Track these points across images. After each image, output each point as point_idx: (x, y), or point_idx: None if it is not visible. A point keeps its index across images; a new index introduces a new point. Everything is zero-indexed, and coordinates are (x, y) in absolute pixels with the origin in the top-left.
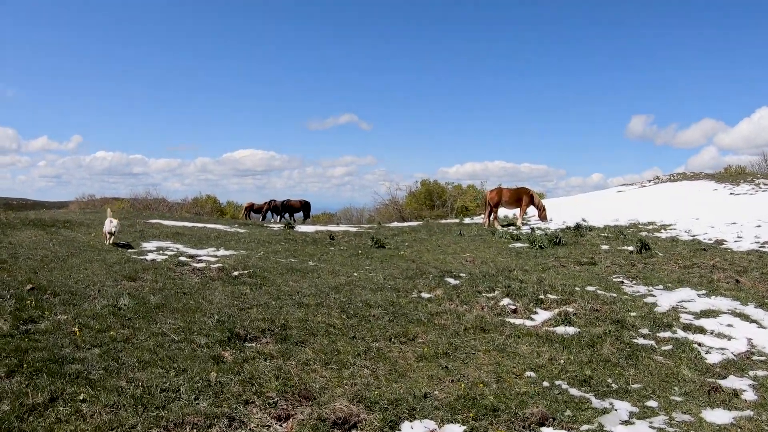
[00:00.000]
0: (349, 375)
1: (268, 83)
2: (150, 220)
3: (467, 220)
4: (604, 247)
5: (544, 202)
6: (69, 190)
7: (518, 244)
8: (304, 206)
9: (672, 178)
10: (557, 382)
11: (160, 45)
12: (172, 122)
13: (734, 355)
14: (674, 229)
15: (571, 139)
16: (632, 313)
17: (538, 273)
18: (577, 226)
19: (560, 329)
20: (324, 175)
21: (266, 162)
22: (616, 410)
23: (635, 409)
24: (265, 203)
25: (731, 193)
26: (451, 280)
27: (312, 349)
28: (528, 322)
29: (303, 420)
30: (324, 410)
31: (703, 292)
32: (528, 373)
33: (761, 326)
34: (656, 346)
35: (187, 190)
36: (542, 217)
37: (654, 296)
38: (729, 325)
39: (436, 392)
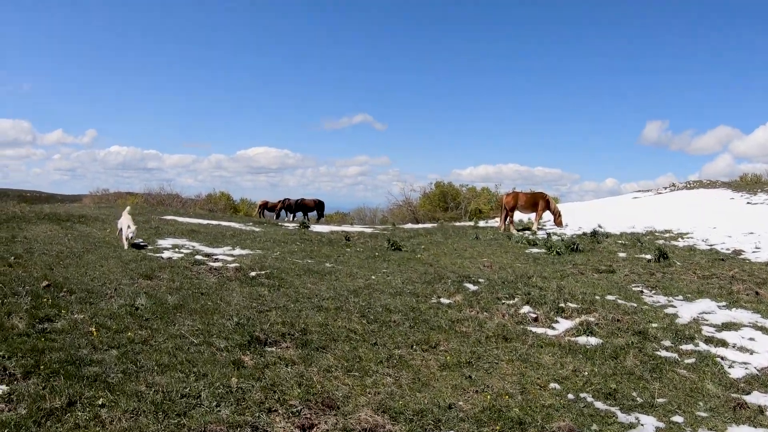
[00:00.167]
0: (372, 383)
1: (283, 81)
2: (165, 217)
3: (482, 223)
4: (622, 254)
5: (559, 207)
6: (83, 183)
7: (535, 250)
8: (318, 205)
9: (688, 185)
10: (582, 395)
11: (176, 41)
12: (187, 118)
13: (757, 370)
14: (691, 237)
15: (585, 143)
16: (654, 324)
17: (557, 280)
18: (594, 233)
19: (582, 339)
20: (337, 175)
21: (280, 160)
22: (642, 425)
23: (661, 425)
24: (279, 201)
25: (748, 203)
26: (470, 286)
27: (333, 355)
28: (550, 332)
29: (327, 430)
30: (349, 420)
31: (723, 303)
32: (552, 385)
33: None
34: (679, 359)
35: (200, 186)
36: (558, 222)
37: (674, 307)
38: (751, 339)
39: (461, 403)
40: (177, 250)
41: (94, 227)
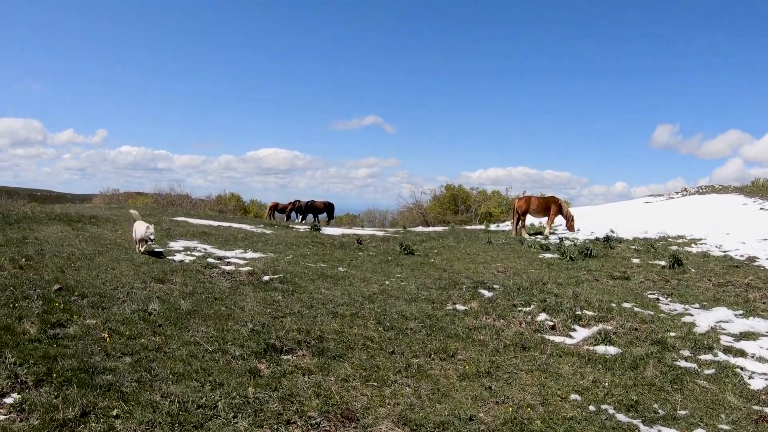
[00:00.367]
0: (391, 394)
1: (294, 82)
2: (176, 218)
3: (493, 227)
4: (635, 260)
5: (571, 210)
6: (93, 183)
7: (548, 255)
8: (328, 207)
9: (701, 190)
10: (603, 407)
11: (187, 41)
12: (197, 119)
13: None
14: (704, 243)
15: (594, 146)
16: (671, 333)
17: (572, 287)
18: (607, 238)
19: (600, 348)
20: (347, 176)
21: (289, 161)
22: None
23: None
24: (290, 203)
25: (761, 208)
26: (485, 292)
27: (351, 364)
28: (567, 340)
29: None
30: None
31: (740, 312)
32: (573, 396)
33: None
34: (699, 370)
35: (210, 187)
36: (570, 227)
37: (691, 315)
38: None
39: (482, 415)
40: (189, 252)
41: (105, 228)
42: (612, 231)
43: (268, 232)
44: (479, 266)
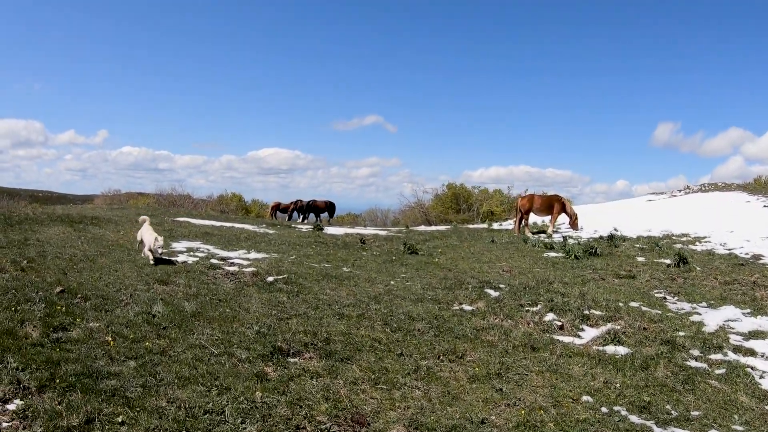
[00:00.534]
0: (401, 397)
1: (295, 82)
2: (178, 218)
3: (496, 226)
4: (640, 259)
5: (574, 209)
6: (94, 184)
7: (552, 254)
8: (329, 207)
9: (703, 188)
10: (616, 408)
11: (187, 41)
12: (198, 119)
13: None
14: (709, 241)
15: (596, 144)
16: (681, 333)
17: (578, 286)
18: (611, 236)
19: (610, 348)
20: (348, 176)
21: (291, 161)
22: None
23: None
24: (292, 203)
25: (765, 206)
26: (492, 292)
27: (359, 366)
28: (576, 341)
29: None
30: None
31: (748, 311)
32: (585, 398)
33: None
34: (709, 370)
35: (211, 187)
36: (574, 225)
37: (699, 314)
38: None
39: (493, 417)
40: (192, 253)
41: (107, 229)
42: (615, 229)
43: (271, 232)
44: (484, 265)
